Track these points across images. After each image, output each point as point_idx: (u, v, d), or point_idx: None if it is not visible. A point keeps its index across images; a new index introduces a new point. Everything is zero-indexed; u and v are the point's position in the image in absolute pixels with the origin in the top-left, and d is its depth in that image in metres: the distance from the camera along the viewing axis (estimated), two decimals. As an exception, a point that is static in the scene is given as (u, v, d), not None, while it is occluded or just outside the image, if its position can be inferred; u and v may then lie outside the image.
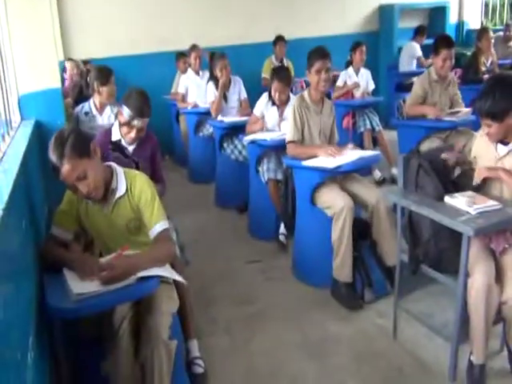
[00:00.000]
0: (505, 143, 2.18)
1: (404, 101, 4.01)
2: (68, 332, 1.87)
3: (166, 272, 1.82)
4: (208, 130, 4.91)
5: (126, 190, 1.97)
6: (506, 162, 2.18)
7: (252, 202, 3.89)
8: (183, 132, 5.50)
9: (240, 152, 4.24)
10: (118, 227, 1.97)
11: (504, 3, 7.96)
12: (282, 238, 3.54)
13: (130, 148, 2.61)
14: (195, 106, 5.10)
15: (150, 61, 5.80)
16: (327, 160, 2.87)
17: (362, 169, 3.09)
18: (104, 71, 3.33)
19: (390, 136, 5.09)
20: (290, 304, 2.85)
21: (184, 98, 5.26)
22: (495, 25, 7.44)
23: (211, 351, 2.44)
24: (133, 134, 2.57)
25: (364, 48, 5.12)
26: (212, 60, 4.54)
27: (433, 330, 2.36)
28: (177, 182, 4.97)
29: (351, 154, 2.98)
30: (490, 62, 5.41)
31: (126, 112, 2.51)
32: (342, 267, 2.80)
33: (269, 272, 3.23)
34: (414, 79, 6.10)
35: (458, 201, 2.07)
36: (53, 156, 1.79)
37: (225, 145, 4.37)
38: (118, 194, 1.96)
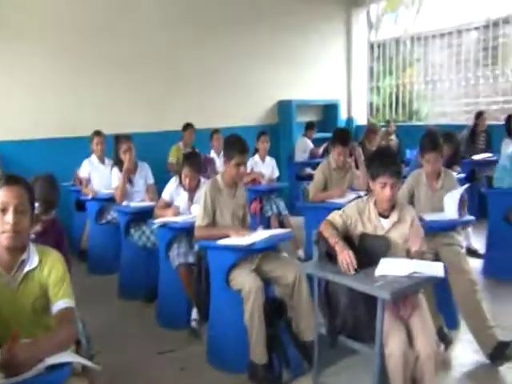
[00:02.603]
0: (384, 217, 2.40)
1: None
2: None
3: (76, 358, 1.61)
4: (112, 215, 4.69)
5: (38, 263, 1.81)
6: (391, 234, 2.39)
7: (161, 289, 3.69)
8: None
9: (148, 238, 4.09)
10: (24, 306, 1.77)
11: (385, 104, 9.19)
12: (194, 324, 3.35)
13: (31, 235, 2.40)
14: (96, 194, 4.87)
15: (49, 146, 5.54)
16: (240, 239, 2.87)
17: (274, 247, 3.12)
18: None
19: (295, 220, 5.29)
20: (207, 394, 2.65)
21: (87, 183, 5.05)
22: (379, 121, 8.49)
23: None
24: (38, 227, 2.39)
25: (267, 137, 5.48)
26: (117, 143, 4.48)
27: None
28: (74, 274, 4.58)
29: (263, 233, 3.02)
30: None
31: None
32: (256, 348, 2.72)
33: (183, 361, 3.01)
34: (308, 170, 6.71)
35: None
36: None
37: (132, 231, 4.18)
38: (28, 267, 1.79)
